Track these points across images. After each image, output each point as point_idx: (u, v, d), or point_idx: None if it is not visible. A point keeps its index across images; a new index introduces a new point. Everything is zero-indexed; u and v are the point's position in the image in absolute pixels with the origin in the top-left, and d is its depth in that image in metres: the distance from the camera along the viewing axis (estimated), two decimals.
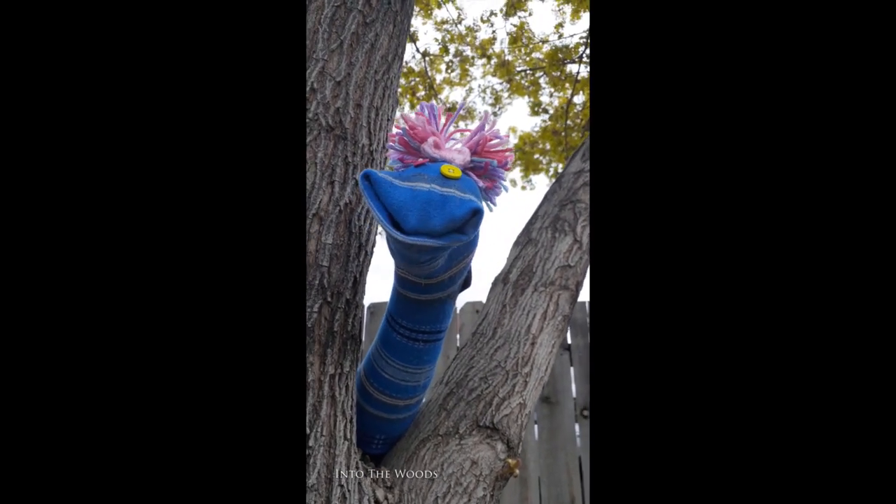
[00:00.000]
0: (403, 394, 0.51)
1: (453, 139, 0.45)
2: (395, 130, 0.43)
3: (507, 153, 0.44)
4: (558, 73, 2.62)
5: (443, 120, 0.45)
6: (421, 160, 0.42)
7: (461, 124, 2.99)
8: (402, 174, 0.40)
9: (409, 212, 0.37)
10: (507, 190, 0.45)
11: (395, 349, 0.48)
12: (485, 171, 0.43)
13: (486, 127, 0.44)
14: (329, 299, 0.43)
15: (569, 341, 1.43)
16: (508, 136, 0.45)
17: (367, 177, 0.39)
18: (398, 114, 0.45)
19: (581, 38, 2.55)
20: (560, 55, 2.57)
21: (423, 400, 0.58)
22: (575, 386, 1.40)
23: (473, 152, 0.43)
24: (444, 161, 0.42)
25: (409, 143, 0.43)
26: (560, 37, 2.67)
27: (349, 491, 0.41)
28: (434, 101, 0.52)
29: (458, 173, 0.40)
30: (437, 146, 0.42)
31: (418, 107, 0.44)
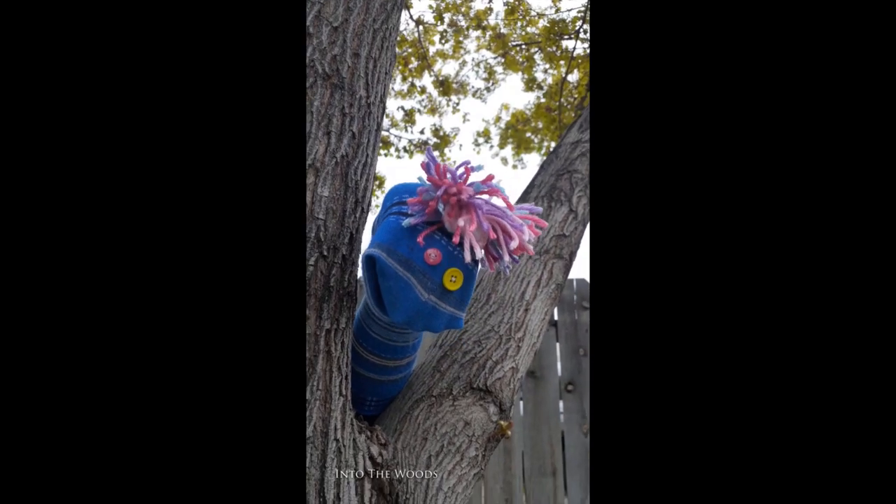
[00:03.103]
0: (393, 354, 0.50)
1: (480, 189, 0.39)
2: (429, 177, 0.39)
3: (524, 251, 0.40)
4: (554, 49, 2.58)
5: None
6: (432, 227, 0.39)
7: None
8: (411, 257, 0.38)
9: (398, 309, 0.39)
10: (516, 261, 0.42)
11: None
12: (496, 260, 0.41)
13: (515, 220, 0.39)
14: (325, 253, 0.42)
15: (555, 317, 1.44)
16: (526, 229, 0.40)
17: (370, 260, 0.40)
18: (433, 160, 0.39)
19: (579, 12, 2.50)
20: (556, 29, 2.52)
21: (417, 363, 0.58)
22: (560, 362, 1.42)
23: (492, 230, 0.39)
24: (465, 253, 0.38)
25: (435, 208, 0.39)
26: (557, 11, 2.62)
27: (344, 446, 0.40)
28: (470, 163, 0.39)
29: (459, 283, 0.39)
30: (465, 232, 0.38)
31: (464, 170, 0.39)
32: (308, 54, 0.45)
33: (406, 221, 0.40)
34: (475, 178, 0.40)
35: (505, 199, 0.40)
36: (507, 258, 0.40)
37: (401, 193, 0.44)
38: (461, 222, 0.38)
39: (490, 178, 0.39)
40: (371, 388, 0.52)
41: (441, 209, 0.39)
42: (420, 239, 0.39)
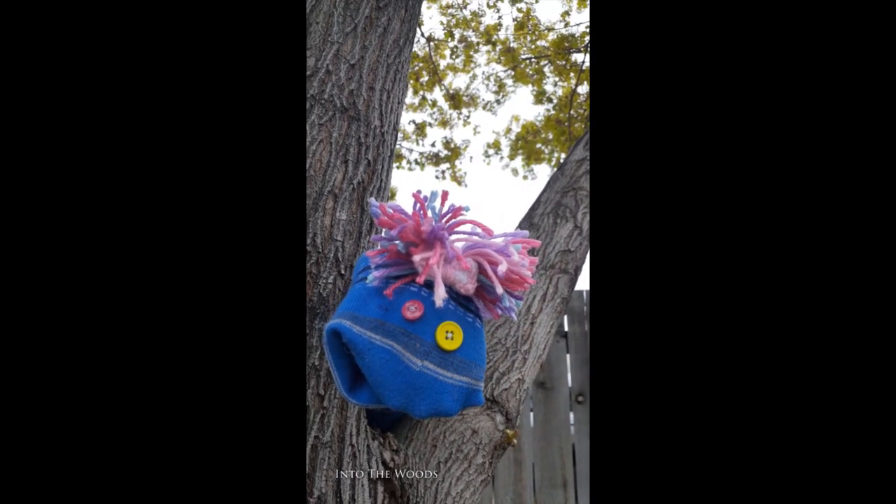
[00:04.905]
0: None
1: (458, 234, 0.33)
2: (382, 229, 0.33)
3: (525, 282, 0.32)
4: (563, 62, 2.61)
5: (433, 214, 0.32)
6: (404, 279, 0.32)
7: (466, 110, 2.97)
8: (386, 317, 0.31)
9: (388, 389, 0.30)
10: (517, 309, 0.35)
11: None
12: (493, 302, 0.33)
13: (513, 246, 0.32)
14: (343, 272, 0.46)
15: (565, 329, 1.46)
16: (513, 251, 0.32)
17: (335, 333, 0.32)
18: (378, 202, 0.34)
19: (587, 26, 2.53)
20: (566, 44, 2.56)
21: None
22: (570, 373, 1.43)
23: (481, 269, 0.32)
24: (436, 292, 0.30)
25: (398, 251, 0.32)
26: (566, 25, 2.66)
27: (359, 450, 0.43)
28: (436, 191, 0.33)
29: (458, 340, 0.31)
30: (444, 261, 0.31)
31: (415, 200, 0.32)
32: (328, 90, 0.49)
33: (370, 277, 0.32)
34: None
35: (477, 223, 0.33)
36: (499, 289, 0.31)
37: (368, 260, 0.35)
38: (418, 257, 0.31)
39: (446, 195, 0.32)
40: (384, 418, 0.54)
41: (401, 248, 0.32)
42: (389, 292, 0.31)
